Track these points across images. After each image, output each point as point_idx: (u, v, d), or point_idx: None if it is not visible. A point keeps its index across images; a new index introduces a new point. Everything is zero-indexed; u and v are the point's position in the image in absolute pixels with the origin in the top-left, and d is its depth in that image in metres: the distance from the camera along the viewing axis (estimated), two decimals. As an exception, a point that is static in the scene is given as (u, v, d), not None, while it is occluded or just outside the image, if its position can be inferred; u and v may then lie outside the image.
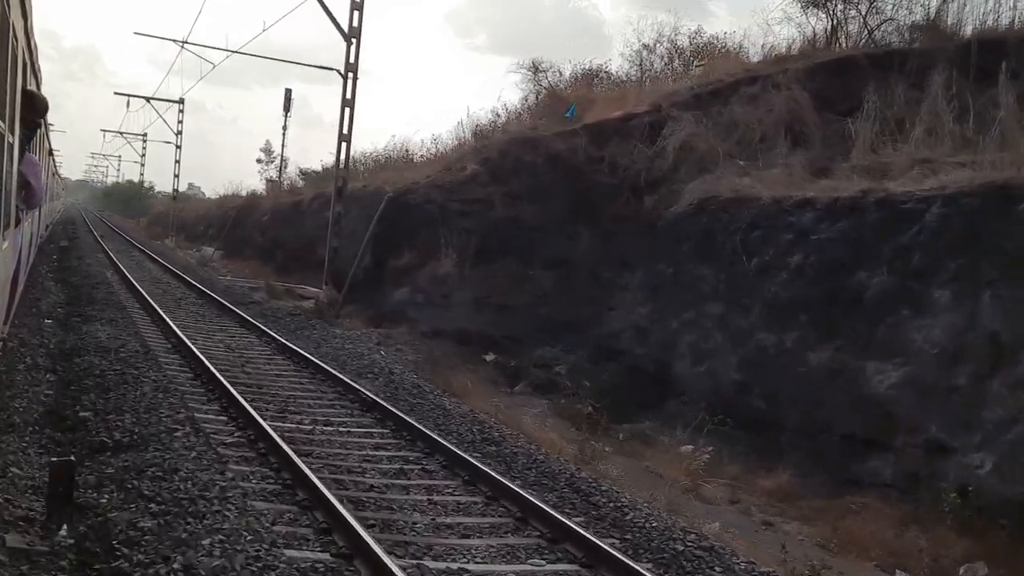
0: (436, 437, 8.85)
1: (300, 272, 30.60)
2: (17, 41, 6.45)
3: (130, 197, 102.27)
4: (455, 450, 8.36)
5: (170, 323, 15.31)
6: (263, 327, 16.44)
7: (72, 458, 6.76)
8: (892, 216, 11.20)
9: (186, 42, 30.69)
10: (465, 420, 10.31)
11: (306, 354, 13.65)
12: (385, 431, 9.38)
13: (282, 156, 44.83)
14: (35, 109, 7.54)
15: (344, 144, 22.67)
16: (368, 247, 19.62)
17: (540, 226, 17.87)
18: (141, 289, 20.60)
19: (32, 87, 8.61)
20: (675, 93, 18.65)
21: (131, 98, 45.75)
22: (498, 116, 35.15)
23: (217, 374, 10.97)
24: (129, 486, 6.76)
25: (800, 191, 13.15)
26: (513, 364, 16.07)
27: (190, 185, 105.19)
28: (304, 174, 44.72)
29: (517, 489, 7.20)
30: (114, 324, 15.28)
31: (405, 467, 7.98)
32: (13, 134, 6.33)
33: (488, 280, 17.17)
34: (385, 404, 10.32)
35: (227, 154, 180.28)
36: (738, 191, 14.22)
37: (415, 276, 17.74)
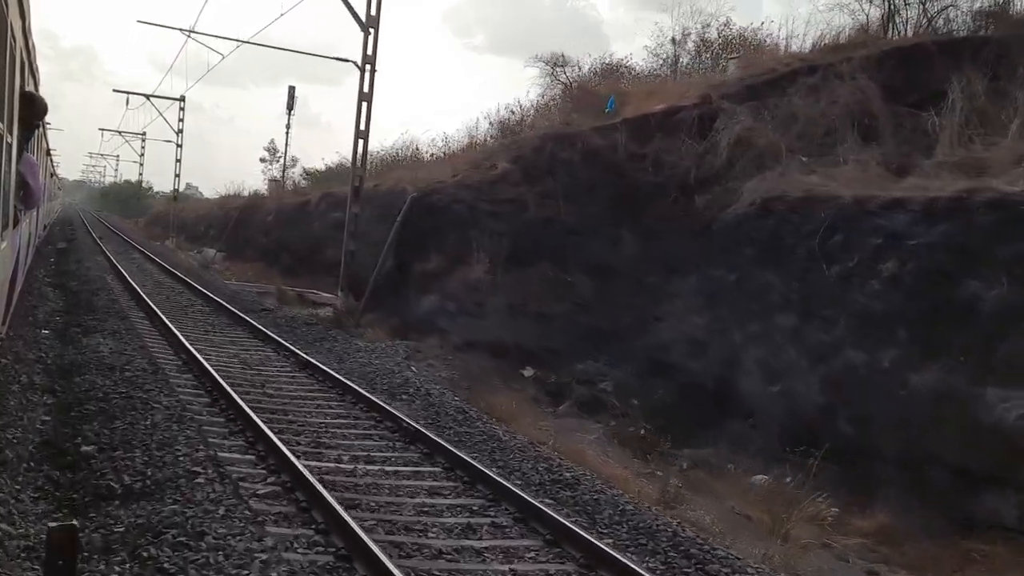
0: (499, 479, 7.59)
1: (308, 275, 29.40)
2: (15, 42, 6.50)
3: (128, 197, 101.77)
4: (526, 497, 7.10)
5: (178, 335, 14.09)
6: (279, 339, 15.21)
7: (75, 523, 5.51)
8: (1009, 218, 9.94)
9: (192, 31, 29.40)
10: (525, 454, 9.04)
11: (330, 371, 12.42)
12: (437, 470, 8.12)
13: (285, 155, 43.67)
14: (33, 110, 7.64)
15: (361, 141, 21.42)
16: (390, 250, 18.36)
17: (578, 228, 16.61)
18: (144, 295, 19.38)
19: (30, 88, 8.67)
20: (724, 84, 17.35)
21: (131, 95, 44.36)
22: (513, 113, 34.01)
23: (237, 398, 9.73)
24: (145, 554, 5.51)
25: (883, 190, 11.87)
26: (554, 380, 14.82)
27: (187, 185, 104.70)
28: (308, 174, 43.48)
29: (615, 555, 5.95)
30: (117, 336, 14.05)
31: (472, 522, 6.72)
32: (11, 135, 6.37)
33: (523, 286, 15.91)
34: (430, 435, 9.07)
35: (225, 154, 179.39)
36: (809, 190, 12.95)
37: (444, 282, 16.48)
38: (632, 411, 13.85)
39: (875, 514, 9.73)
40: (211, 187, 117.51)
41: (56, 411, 9.44)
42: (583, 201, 16.72)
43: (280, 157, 45.10)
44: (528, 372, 14.96)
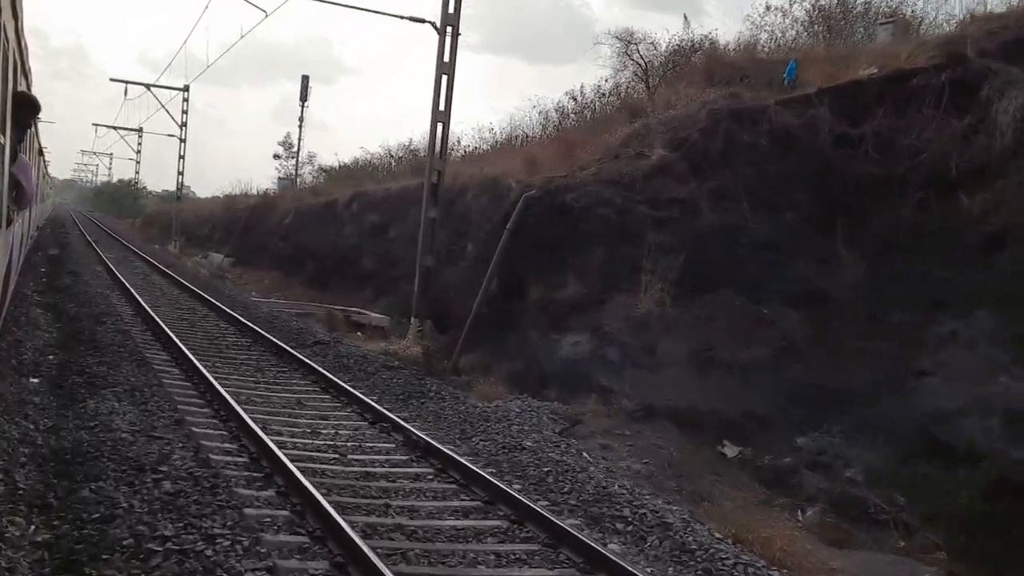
0: None
1: (339, 288, 25.01)
2: (8, 42, 6.81)
3: (121, 197, 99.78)
4: None
5: (224, 394, 9.91)
6: (361, 395, 10.92)
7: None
8: None
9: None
10: None
11: (467, 462, 8.19)
12: None
13: (299, 151, 39.27)
14: (26, 110, 7.88)
15: (440, 124, 17.06)
16: (496, 270, 13.91)
17: (772, 240, 12.26)
18: (161, 322, 15.15)
19: (23, 88, 8.93)
20: (988, 35, 12.70)
21: (129, 85, 39.53)
22: (575, 100, 29.81)
23: (367, 551, 5.40)
24: None
25: None
26: (768, 461, 10.41)
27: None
28: (325, 170, 39.14)
29: None
30: (136, 396, 9.85)
31: None
32: (4, 135, 6.71)
33: (703, 323, 11.54)
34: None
35: (219, 154, 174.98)
36: None
37: (591, 316, 12.06)
38: (909, 518, 9.47)
39: None
40: (204, 187, 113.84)
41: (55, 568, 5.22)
42: (776, 203, 12.39)
43: (295, 153, 40.71)
44: (730, 451, 10.55)
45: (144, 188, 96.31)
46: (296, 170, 40.14)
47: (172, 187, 70.52)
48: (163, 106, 40.91)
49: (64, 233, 42.83)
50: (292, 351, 13.76)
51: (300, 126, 39.61)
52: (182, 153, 38.43)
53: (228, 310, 18.25)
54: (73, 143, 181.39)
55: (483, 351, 13.46)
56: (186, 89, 41.38)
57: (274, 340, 14.64)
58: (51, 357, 11.69)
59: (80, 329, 14.04)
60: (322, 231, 28.46)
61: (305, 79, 39.55)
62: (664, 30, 56.54)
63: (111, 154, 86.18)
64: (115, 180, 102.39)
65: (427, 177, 17.04)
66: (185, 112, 39.87)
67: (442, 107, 16.90)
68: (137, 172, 65.62)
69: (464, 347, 13.56)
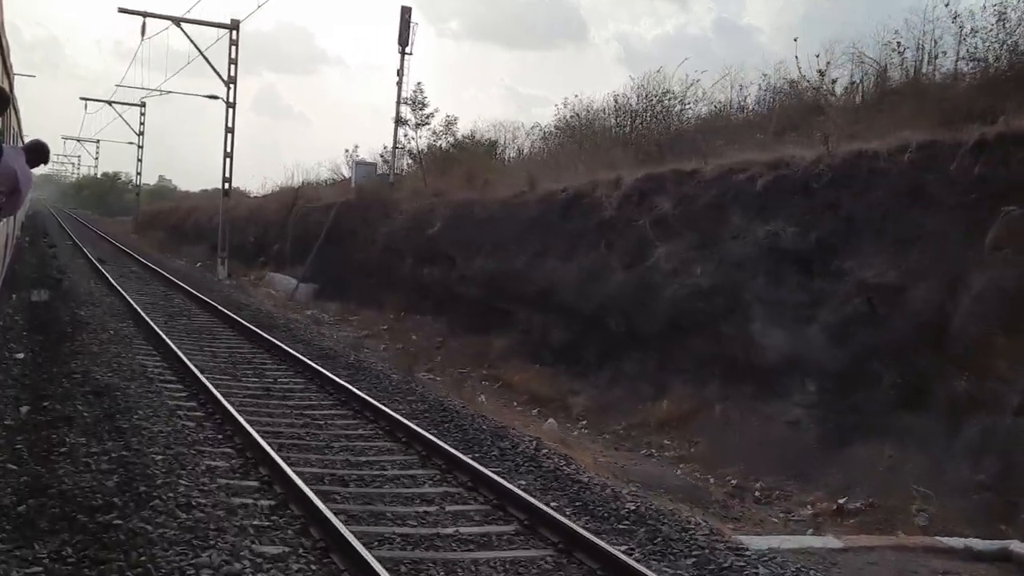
0: None
1: (605, 369, 13.32)
2: None
3: (105, 192, 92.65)
4: None
5: None
6: None
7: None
8: None
9: None
10: None
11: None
12: None
13: (397, 118, 27.43)
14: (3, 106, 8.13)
15: None
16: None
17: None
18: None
19: (4, 86, 9.42)
20: None
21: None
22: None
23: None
24: None
25: None
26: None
27: (160, 178, 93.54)
28: (457, 142, 27.38)
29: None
30: None
31: None
32: None
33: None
34: None
35: (200, 147, 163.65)
36: None
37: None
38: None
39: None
40: (184, 181, 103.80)
41: None
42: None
43: (427, 115, 28.25)
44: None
45: (130, 182, 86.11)
46: (394, 143, 28.20)
47: (149, 180, 60.22)
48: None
49: (49, 244, 31.10)
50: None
51: (400, 80, 27.66)
52: (229, 126, 26.55)
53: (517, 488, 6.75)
54: (50, 139, 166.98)
55: None
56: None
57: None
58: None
59: None
60: (492, 245, 16.99)
61: (406, 12, 27.62)
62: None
63: (97, 142, 75.18)
64: (99, 174, 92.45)
65: None
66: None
67: None
68: (140, 158, 53.30)
69: None
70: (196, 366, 10.32)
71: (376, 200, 25.20)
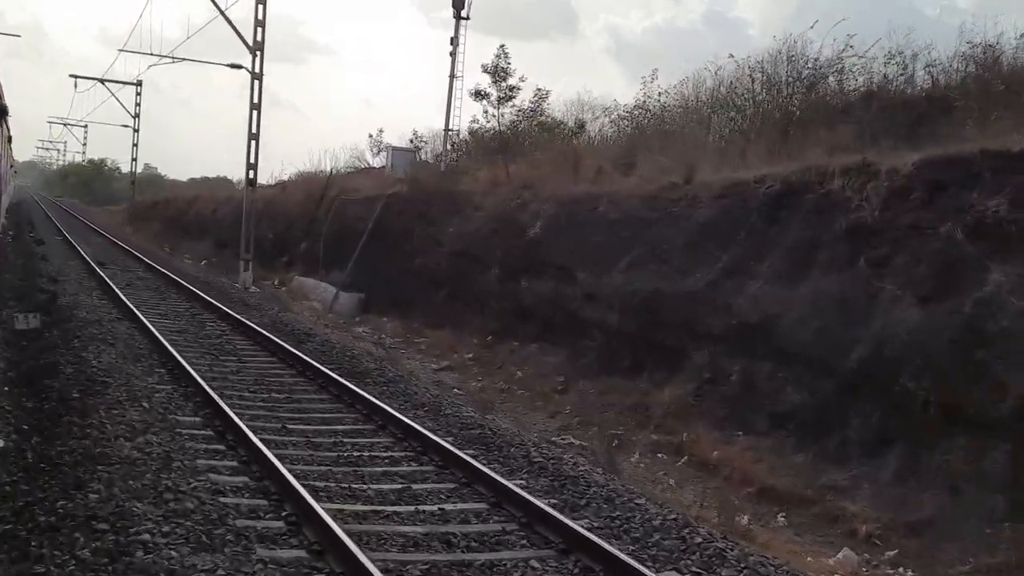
0: None
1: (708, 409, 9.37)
2: None
3: (91, 179, 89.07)
4: None
5: None
6: None
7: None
8: None
9: None
10: None
11: None
12: None
13: (450, 92, 22.97)
14: None
15: None
16: None
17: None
18: None
19: None
20: None
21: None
22: None
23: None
24: None
25: None
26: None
27: (146, 165, 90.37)
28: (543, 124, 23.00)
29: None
30: None
31: None
32: None
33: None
34: None
35: (187, 135, 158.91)
36: None
37: None
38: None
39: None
40: (171, 169, 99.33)
41: None
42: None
43: (512, 88, 23.92)
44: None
45: (118, 169, 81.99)
46: (447, 125, 23.75)
47: (142, 168, 56.27)
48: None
49: (36, 239, 26.51)
50: None
51: (454, 49, 23.15)
52: (255, 100, 21.89)
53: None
54: (32, 123, 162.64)
55: None
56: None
57: None
58: None
59: None
60: (729, 272, 12.03)
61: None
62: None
63: (85, 126, 70.32)
64: (85, 161, 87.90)
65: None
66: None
67: None
68: (136, 144, 48.72)
69: None
70: (305, 487, 5.91)
71: (438, 193, 20.77)
